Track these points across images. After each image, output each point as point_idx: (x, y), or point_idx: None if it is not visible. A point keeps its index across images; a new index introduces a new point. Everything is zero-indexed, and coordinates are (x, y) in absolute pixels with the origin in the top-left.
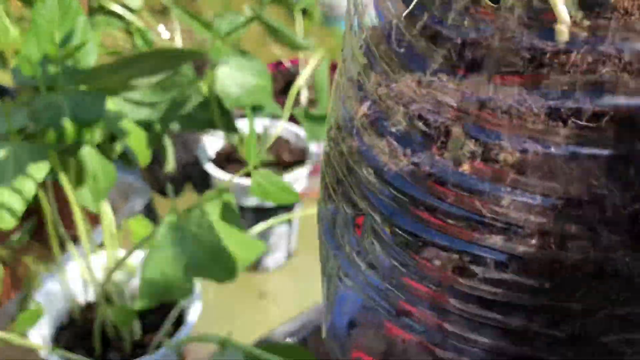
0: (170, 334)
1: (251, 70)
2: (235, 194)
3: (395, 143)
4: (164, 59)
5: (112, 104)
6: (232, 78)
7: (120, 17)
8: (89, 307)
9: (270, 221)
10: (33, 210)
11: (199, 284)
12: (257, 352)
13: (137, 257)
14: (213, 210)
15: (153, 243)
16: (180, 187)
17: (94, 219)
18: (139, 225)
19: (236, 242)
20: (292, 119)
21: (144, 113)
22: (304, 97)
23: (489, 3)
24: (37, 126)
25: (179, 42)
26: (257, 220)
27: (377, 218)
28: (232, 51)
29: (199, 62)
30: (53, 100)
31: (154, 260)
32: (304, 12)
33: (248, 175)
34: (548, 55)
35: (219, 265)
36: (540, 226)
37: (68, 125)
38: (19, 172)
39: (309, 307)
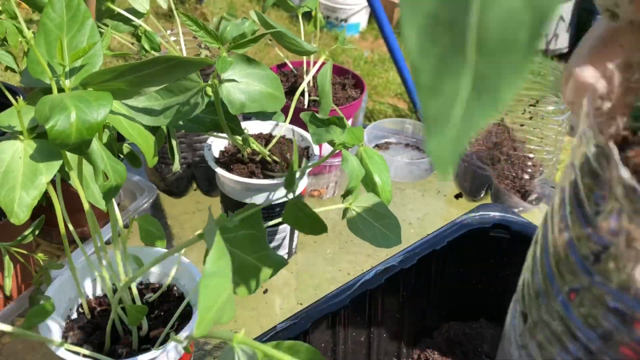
0: (177, 328)
1: (256, 77)
2: (241, 192)
3: None
4: (172, 67)
5: (119, 106)
6: (236, 85)
7: (127, 20)
8: (98, 303)
9: (275, 221)
10: (42, 207)
11: None
12: (269, 350)
13: (146, 255)
14: (242, 226)
15: (205, 271)
16: (186, 187)
17: (101, 217)
18: (146, 224)
19: (260, 258)
20: (296, 119)
21: (152, 115)
22: (306, 99)
23: None
24: (45, 126)
25: (182, 45)
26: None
27: None
28: (237, 58)
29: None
30: (59, 101)
31: (209, 288)
32: (307, 15)
33: (252, 174)
34: None
35: (242, 279)
36: None
37: (74, 125)
38: (31, 169)
39: (309, 301)
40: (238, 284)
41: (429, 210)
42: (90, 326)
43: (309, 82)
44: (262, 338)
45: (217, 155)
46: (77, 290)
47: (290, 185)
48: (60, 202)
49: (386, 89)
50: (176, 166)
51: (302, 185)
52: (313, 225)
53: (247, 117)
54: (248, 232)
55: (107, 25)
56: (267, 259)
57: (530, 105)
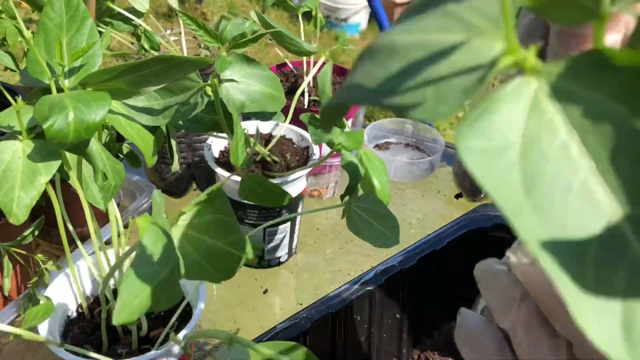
0: (176, 328)
1: (256, 77)
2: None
3: None
4: (171, 67)
5: (119, 106)
6: (236, 85)
7: (127, 20)
8: (97, 303)
9: (275, 220)
10: (42, 208)
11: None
12: (264, 350)
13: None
14: (207, 211)
15: (135, 257)
16: (186, 187)
17: (101, 217)
18: (146, 223)
19: (230, 243)
20: (296, 119)
21: (151, 115)
22: (306, 99)
23: None
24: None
25: (184, 45)
26: (261, 218)
27: None
28: (237, 58)
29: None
30: (58, 100)
31: (136, 275)
32: (307, 15)
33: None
34: None
35: (213, 266)
36: None
37: (71, 125)
38: (30, 169)
39: (309, 301)
40: (210, 271)
41: (429, 210)
42: (90, 326)
43: (309, 82)
44: (262, 338)
45: (217, 155)
46: (76, 290)
47: (235, 158)
48: (59, 202)
49: None
50: (175, 166)
51: (302, 185)
52: (275, 197)
53: (247, 117)
54: (215, 217)
55: (106, 25)
56: (239, 244)
57: None
